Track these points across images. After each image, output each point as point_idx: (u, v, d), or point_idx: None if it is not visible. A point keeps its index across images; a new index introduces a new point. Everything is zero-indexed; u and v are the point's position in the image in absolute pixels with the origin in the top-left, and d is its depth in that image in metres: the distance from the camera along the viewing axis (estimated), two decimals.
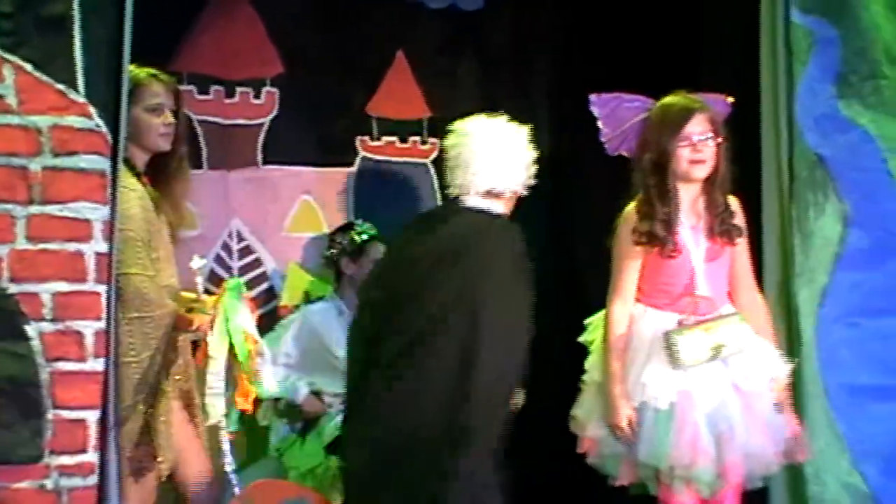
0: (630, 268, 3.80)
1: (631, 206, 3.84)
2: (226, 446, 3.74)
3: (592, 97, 3.96)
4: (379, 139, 5.41)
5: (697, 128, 3.76)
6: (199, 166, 5.01)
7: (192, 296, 3.70)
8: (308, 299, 5.13)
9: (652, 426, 3.68)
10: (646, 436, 3.69)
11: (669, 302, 3.78)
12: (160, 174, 3.65)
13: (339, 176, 5.34)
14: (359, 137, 5.37)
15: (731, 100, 4.05)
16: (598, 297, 3.95)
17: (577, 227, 5.42)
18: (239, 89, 5.17)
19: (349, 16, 5.31)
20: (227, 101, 5.15)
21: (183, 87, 4.84)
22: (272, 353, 4.68)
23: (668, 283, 3.78)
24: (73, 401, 2.97)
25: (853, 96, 4.37)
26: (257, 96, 5.20)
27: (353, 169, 5.36)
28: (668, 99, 3.87)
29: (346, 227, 5.02)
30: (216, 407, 3.63)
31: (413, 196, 5.45)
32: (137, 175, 3.56)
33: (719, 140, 3.78)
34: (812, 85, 4.36)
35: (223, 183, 5.12)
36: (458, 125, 3.96)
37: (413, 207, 5.41)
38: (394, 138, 5.42)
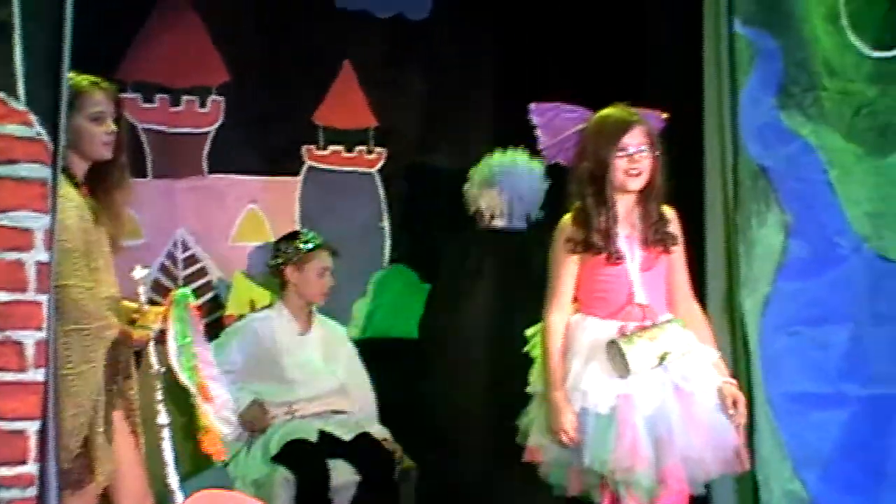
0: (566, 276, 3.84)
1: (567, 216, 3.88)
2: (169, 456, 3.71)
3: (532, 106, 4.02)
4: (325, 148, 5.40)
5: (634, 140, 3.80)
6: (144, 175, 4.99)
7: (134, 305, 3.66)
8: (253, 308, 5.11)
9: (593, 431, 3.71)
10: (588, 441, 3.71)
11: (608, 310, 3.82)
12: (100, 183, 3.61)
13: (285, 185, 5.33)
14: (305, 146, 5.37)
15: (665, 116, 4.10)
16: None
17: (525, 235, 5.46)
18: (184, 98, 5.15)
19: (295, 24, 5.31)
20: (173, 109, 5.13)
21: (128, 96, 4.87)
22: (217, 361, 4.66)
23: (606, 291, 3.82)
24: (13, 412, 2.94)
25: (794, 107, 4.43)
26: (203, 105, 5.18)
27: (300, 178, 5.36)
28: (606, 111, 3.91)
29: (292, 236, 5.01)
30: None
31: (359, 205, 5.45)
32: (76, 184, 3.53)
33: (655, 153, 3.81)
34: (754, 95, 4.40)
35: (168, 192, 5.10)
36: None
37: (359, 217, 5.42)
38: (340, 147, 5.42)
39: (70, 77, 3.37)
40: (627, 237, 3.83)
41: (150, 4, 5.08)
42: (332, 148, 5.41)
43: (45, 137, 3.00)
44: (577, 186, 3.83)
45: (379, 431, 4.87)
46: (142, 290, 3.69)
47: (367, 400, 5.04)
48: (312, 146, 5.38)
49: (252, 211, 5.27)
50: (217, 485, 4.73)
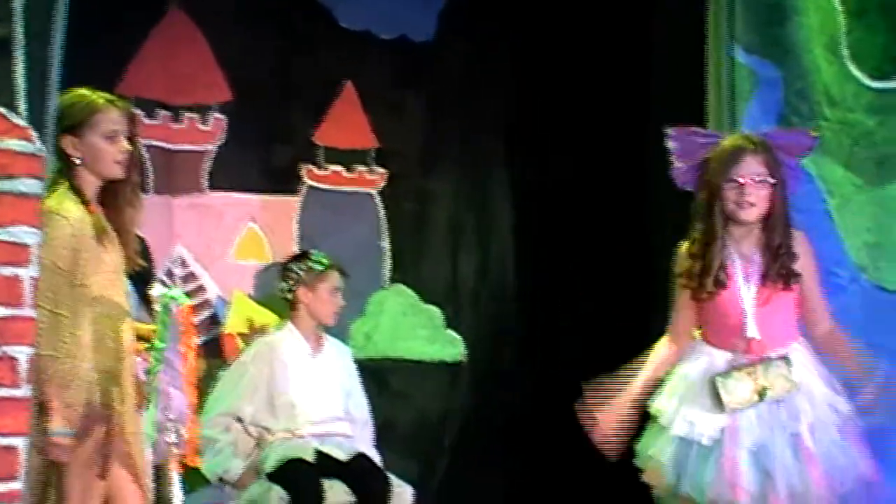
0: (680, 305, 3.83)
1: (684, 245, 3.83)
2: (175, 476, 3.70)
3: (671, 131, 3.84)
4: (325, 168, 5.41)
5: (747, 169, 3.71)
6: (144, 191, 4.96)
7: (151, 326, 3.65)
8: (252, 327, 5.11)
9: (695, 460, 3.70)
10: (689, 469, 3.70)
11: (721, 341, 3.78)
12: (112, 201, 3.60)
13: (284, 204, 5.34)
14: (305, 166, 5.38)
15: (814, 133, 4.04)
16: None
17: (541, 254, 5.49)
18: (186, 115, 5.16)
19: (298, 44, 5.33)
20: (174, 126, 5.14)
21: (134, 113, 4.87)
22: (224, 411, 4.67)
23: (718, 322, 3.79)
24: (5, 428, 2.93)
25: None
26: (204, 122, 5.20)
27: (299, 197, 5.36)
28: (729, 138, 3.84)
29: (302, 257, 4.97)
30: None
31: (359, 225, 5.46)
32: (86, 202, 3.52)
33: (773, 181, 3.74)
34: (754, 125, 4.40)
35: (167, 208, 5.11)
36: None
37: (358, 236, 5.43)
38: (340, 168, 5.43)
39: (85, 94, 3.39)
40: (743, 269, 3.78)
41: (153, 21, 5.09)
42: (332, 168, 5.42)
43: (46, 153, 3.01)
44: (694, 214, 3.78)
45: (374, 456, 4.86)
46: (158, 307, 3.68)
47: (366, 423, 5.03)
48: (312, 166, 5.39)
49: (251, 229, 5.28)
50: (213, 502, 4.75)
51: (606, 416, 3.81)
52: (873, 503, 3.77)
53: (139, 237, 3.73)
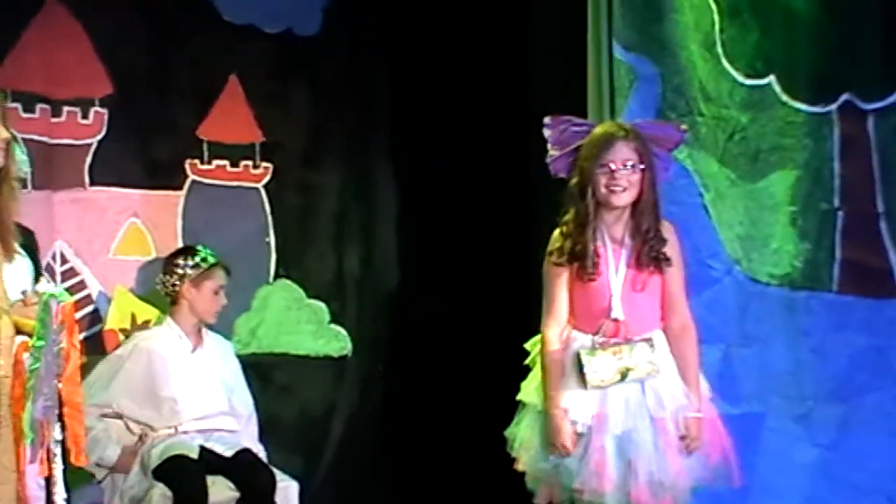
0: (558, 289, 3.85)
1: (557, 230, 3.88)
2: (59, 472, 3.65)
3: (546, 119, 3.92)
4: (209, 163, 5.37)
5: (617, 155, 3.79)
6: (24, 186, 4.88)
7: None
8: (134, 323, 5.05)
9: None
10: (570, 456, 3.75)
11: (588, 324, 3.83)
12: None
13: (167, 199, 5.28)
14: (189, 160, 5.33)
15: (684, 128, 4.11)
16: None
17: (426, 246, 5.52)
18: (66, 108, 5.08)
19: (181, 37, 5.28)
20: (54, 120, 5.06)
21: (7, 105, 4.77)
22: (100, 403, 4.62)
23: (588, 305, 3.84)
24: None
25: None
26: (85, 116, 5.12)
27: (183, 192, 5.32)
28: (601, 125, 3.93)
29: (188, 252, 4.92)
30: None
31: (244, 220, 5.42)
32: None
33: (642, 167, 3.81)
34: (634, 119, 4.48)
35: (47, 203, 5.02)
36: None
37: (243, 232, 5.40)
38: (225, 162, 5.39)
39: None
40: (614, 252, 3.84)
41: (31, 12, 5.00)
42: (216, 162, 5.38)
43: None
44: (568, 200, 3.85)
45: (259, 451, 4.85)
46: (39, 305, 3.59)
47: (251, 418, 5.01)
48: (196, 160, 5.34)
49: (133, 224, 5.22)
50: (93, 501, 4.69)
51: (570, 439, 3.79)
52: (732, 487, 3.86)
53: (28, 230, 3.66)
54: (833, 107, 4.64)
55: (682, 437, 3.78)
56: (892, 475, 4.59)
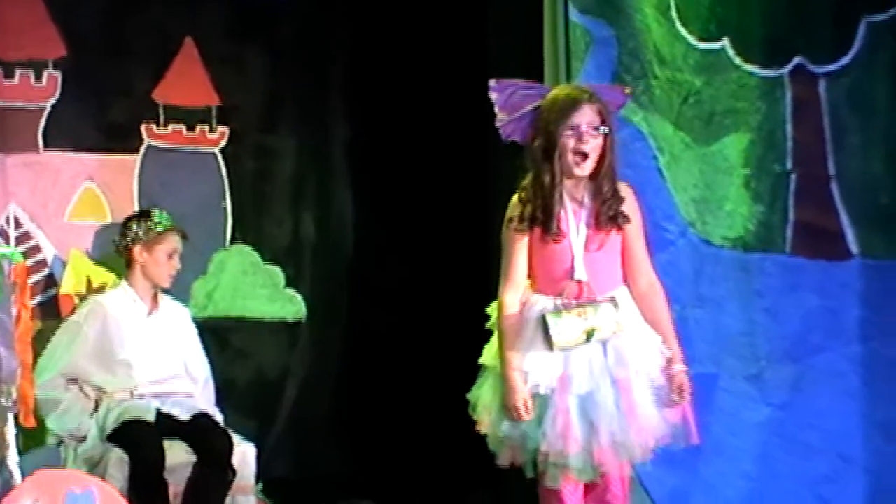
0: (517, 254, 3.84)
1: (515, 195, 3.87)
2: (11, 436, 3.64)
3: (492, 83, 3.89)
4: (165, 126, 5.34)
5: (584, 118, 3.78)
6: None
7: None
8: (90, 287, 5.03)
9: (532, 411, 3.74)
10: (523, 420, 3.75)
11: (553, 288, 3.83)
12: None
13: (123, 163, 5.25)
14: (144, 124, 5.29)
15: (628, 90, 4.12)
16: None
17: (381, 210, 5.52)
18: (19, 71, 5.03)
19: None
20: (6, 82, 5.01)
21: None
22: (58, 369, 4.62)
23: (550, 268, 3.83)
24: None
25: None
26: (38, 78, 5.08)
27: (138, 156, 5.28)
28: (559, 88, 3.92)
29: (142, 216, 4.91)
30: None
31: (200, 184, 5.40)
32: None
33: (605, 131, 3.82)
34: (590, 82, 4.50)
35: (1, 167, 4.98)
36: None
37: (200, 196, 5.38)
38: (181, 126, 5.36)
39: None
40: (575, 214, 3.84)
41: None
42: (172, 126, 5.35)
43: None
44: (530, 164, 3.83)
45: (216, 414, 4.85)
46: None
47: (207, 382, 5.01)
48: (152, 124, 5.31)
49: (89, 188, 5.19)
50: (49, 463, 4.67)
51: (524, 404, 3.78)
52: (691, 445, 3.90)
53: None
54: (785, 70, 4.69)
55: (661, 389, 3.79)
56: (844, 434, 4.67)
